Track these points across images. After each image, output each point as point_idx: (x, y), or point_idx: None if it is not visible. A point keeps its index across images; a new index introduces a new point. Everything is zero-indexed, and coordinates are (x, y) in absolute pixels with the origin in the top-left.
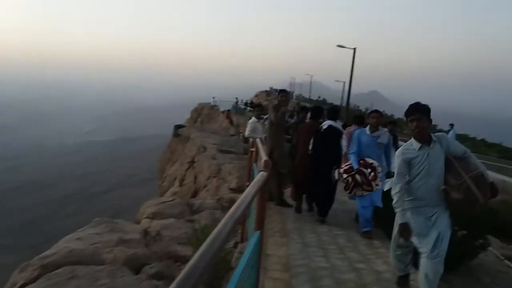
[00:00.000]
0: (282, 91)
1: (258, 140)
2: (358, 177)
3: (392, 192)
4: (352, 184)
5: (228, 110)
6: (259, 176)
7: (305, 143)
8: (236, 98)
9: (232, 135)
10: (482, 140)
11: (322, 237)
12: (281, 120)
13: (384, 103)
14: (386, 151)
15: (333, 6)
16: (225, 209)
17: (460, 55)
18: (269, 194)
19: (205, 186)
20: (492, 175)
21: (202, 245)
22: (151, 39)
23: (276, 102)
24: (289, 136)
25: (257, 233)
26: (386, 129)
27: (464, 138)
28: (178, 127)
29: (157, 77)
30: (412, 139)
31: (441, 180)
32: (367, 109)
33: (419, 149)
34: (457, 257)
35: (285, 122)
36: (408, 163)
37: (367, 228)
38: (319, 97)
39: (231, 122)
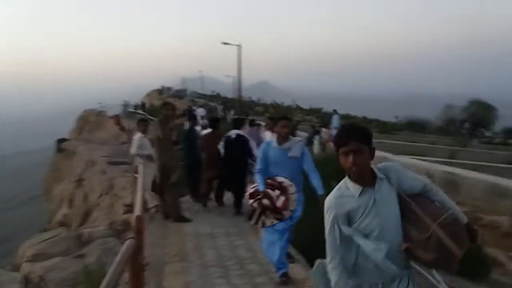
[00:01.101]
0: (167, 104)
1: (140, 168)
2: (265, 201)
3: (329, 268)
4: (259, 211)
5: (117, 115)
6: (126, 246)
7: (211, 151)
8: (125, 101)
9: (123, 143)
10: (364, 117)
11: (222, 252)
12: (170, 135)
13: (275, 92)
14: (308, 168)
15: (216, 1)
16: (119, 234)
17: (344, 41)
18: (166, 212)
19: (97, 205)
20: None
21: None
22: (23, 44)
23: (161, 116)
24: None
25: None
26: (298, 139)
27: (347, 117)
28: (61, 141)
29: (34, 86)
30: (347, 180)
31: (399, 234)
32: (259, 100)
33: (360, 195)
34: None
35: (174, 136)
36: (347, 218)
37: (283, 270)
38: (213, 91)
39: (122, 128)
